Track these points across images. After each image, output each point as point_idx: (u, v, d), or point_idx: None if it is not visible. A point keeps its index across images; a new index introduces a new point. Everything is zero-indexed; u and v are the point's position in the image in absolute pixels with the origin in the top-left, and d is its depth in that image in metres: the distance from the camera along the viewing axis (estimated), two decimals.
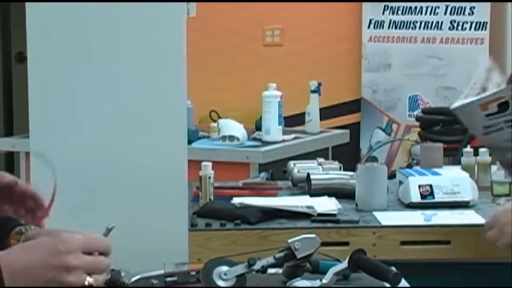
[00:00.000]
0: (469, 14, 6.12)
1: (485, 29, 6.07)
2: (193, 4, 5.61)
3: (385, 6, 6.26)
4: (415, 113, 5.67)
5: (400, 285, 2.55)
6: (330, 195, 3.95)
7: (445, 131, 4.93)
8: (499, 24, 5.98)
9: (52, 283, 1.78)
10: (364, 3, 6.30)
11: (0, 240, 1.93)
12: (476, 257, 3.36)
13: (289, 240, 2.72)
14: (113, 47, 3.01)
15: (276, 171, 4.63)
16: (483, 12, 6.06)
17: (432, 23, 6.20)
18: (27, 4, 2.88)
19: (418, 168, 4.19)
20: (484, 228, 2.99)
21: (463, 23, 6.15)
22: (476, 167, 4.17)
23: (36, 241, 1.92)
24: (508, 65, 5.85)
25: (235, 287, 2.66)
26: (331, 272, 2.58)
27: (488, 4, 5.97)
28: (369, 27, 6.32)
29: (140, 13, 3.01)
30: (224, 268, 2.67)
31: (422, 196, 3.90)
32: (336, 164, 4.36)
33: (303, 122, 5.69)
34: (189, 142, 4.07)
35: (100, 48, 3.01)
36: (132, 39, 3.02)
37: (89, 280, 1.84)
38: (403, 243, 3.63)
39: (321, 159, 4.42)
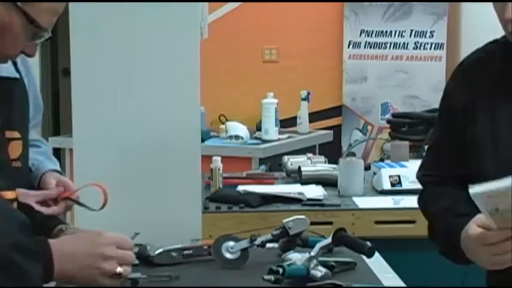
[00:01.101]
0: (429, 36, 6.11)
1: (443, 49, 6.05)
2: (206, 28, 5.59)
3: (361, 30, 6.25)
4: (386, 116, 5.64)
5: (372, 257, 2.55)
6: (317, 183, 3.95)
7: (410, 131, 4.90)
8: (453, 45, 5.97)
9: (91, 268, 1.86)
10: (344, 28, 6.28)
11: (45, 236, 1.91)
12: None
13: (284, 221, 2.70)
14: (140, 65, 2.99)
15: (273, 164, 4.63)
16: (441, 35, 6.04)
17: (400, 43, 6.19)
18: (71, 27, 2.88)
19: (388, 161, 4.19)
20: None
21: (425, 43, 6.13)
22: None
23: (81, 233, 2.02)
24: None
25: (240, 258, 2.65)
26: (318, 246, 2.55)
27: (445, 28, 5.95)
28: (348, 47, 6.30)
29: (164, 36, 3.00)
30: (231, 243, 2.65)
31: (392, 184, 3.89)
32: (322, 158, 4.35)
33: (295, 124, 5.68)
34: (202, 140, 4.05)
35: (129, 65, 3.00)
36: (157, 58, 3.01)
37: (119, 269, 1.92)
38: (377, 222, 3.62)
39: (309, 155, 4.41)
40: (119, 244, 1.95)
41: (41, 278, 1.22)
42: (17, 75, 2.29)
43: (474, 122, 2.14)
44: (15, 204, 2.03)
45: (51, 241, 1.80)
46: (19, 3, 1.81)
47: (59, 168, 2.55)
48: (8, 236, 1.20)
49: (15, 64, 2.22)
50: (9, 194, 1.96)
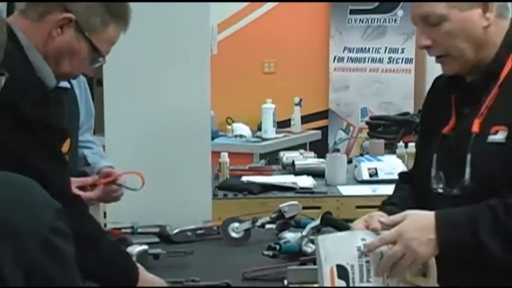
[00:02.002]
0: (400, 52, 6.09)
1: (412, 63, 6.04)
2: (215, 45, 5.58)
3: (344, 47, 6.23)
4: (365, 119, 5.63)
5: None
6: (307, 174, 3.93)
7: (385, 131, 4.90)
8: (421, 60, 5.95)
9: None
10: (330, 45, 6.26)
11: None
12: None
13: (280, 206, 2.70)
14: (161, 77, 2.99)
15: (271, 158, 4.63)
16: (410, 51, 6.03)
17: (376, 58, 6.17)
18: None
19: (367, 156, 4.18)
20: (384, 240, 1.72)
21: (397, 58, 6.12)
22: (406, 155, 4.15)
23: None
24: (428, 87, 5.82)
25: (243, 237, 2.64)
26: (309, 227, 2.55)
27: (414, 45, 5.94)
28: (334, 61, 6.28)
29: (181, 53, 3.00)
30: (236, 224, 2.65)
31: (370, 175, 3.89)
32: (312, 154, 4.35)
33: (289, 125, 5.68)
34: (212, 139, 4.04)
35: (152, 77, 2.99)
36: (175, 71, 3.00)
37: None
38: (357, 207, 3.61)
39: (301, 151, 4.42)
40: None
41: (74, 256, 1.21)
42: (68, 86, 2.32)
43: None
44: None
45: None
46: (86, 33, 1.84)
47: (109, 164, 2.64)
48: (47, 221, 1.19)
49: None
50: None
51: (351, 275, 1.73)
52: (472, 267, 1.75)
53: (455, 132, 1.83)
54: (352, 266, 1.74)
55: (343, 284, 1.73)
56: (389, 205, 2.02)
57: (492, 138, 1.73)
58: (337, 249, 1.74)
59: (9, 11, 2.43)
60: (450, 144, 1.84)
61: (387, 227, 1.76)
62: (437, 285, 1.78)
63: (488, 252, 1.66)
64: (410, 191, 2.05)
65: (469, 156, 1.76)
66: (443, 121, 1.86)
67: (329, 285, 1.73)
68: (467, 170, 1.76)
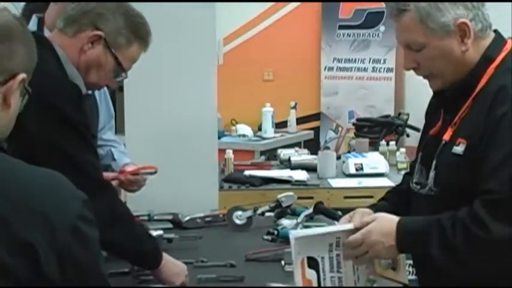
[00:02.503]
0: (382, 63, 6.09)
1: (392, 72, 6.03)
2: (221, 56, 5.59)
3: (334, 58, 6.23)
4: (352, 120, 5.62)
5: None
6: (302, 169, 3.93)
7: (369, 131, 4.90)
8: (400, 70, 5.93)
9: (174, 276, 2.01)
10: (321, 56, 6.26)
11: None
12: None
13: (278, 196, 2.70)
14: (174, 85, 3.00)
15: (270, 155, 4.63)
16: (391, 62, 6.02)
17: (361, 68, 6.17)
18: None
19: (354, 153, 4.17)
20: (351, 242, 1.68)
21: (379, 68, 6.12)
22: (387, 152, 4.15)
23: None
24: (407, 94, 5.83)
25: (246, 224, 2.65)
26: (303, 215, 2.55)
27: (394, 57, 5.95)
28: (324, 70, 6.28)
29: (191, 63, 3.00)
30: (239, 212, 2.65)
31: (356, 170, 3.88)
32: (306, 151, 4.34)
33: (286, 126, 5.66)
34: (219, 138, 4.04)
35: (166, 85, 3.01)
36: (186, 80, 3.01)
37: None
38: (345, 197, 3.61)
39: (297, 148, 4.40)
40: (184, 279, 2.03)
41: (98, 240, 1.22)
42: (89, 92, 2.32)
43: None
44: None
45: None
46: (113, 50, 1.88)
47: (131, 161, 2.66)
48: (75, 210, 1.19)
49: None
50: None
51: (321, 266, 1.70)
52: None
53: (436, 135, 1.77)
54: (323, 258, 1.70)
55: (314, 273, 1.70)
56: (382, 200, 1.97)
57: (455, 149, 1.66)
58: (309, 244, 1.70)
59: (40, 25, 2.43)
60: (430, 145, 1.79)
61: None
62: (407, 278, 1.74)
63: (434, 261, 1.60)
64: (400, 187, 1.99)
65: (434, 162, 1.71)
66: (434, 123, 1.80)
67: (300, 275, 1.69)
68: (431, 175, 1.71)
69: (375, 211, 1.82)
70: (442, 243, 1.58)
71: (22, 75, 1.23)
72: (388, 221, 1.67)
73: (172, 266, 2.00)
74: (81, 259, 1.18)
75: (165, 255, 2.00)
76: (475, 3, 1.68)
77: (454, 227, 1.57)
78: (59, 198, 1.18)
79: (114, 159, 2.73)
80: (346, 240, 1.69)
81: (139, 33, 1.92)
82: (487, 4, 1.73)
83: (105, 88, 2.73)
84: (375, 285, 1.73)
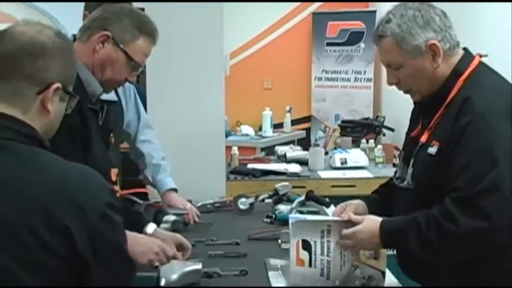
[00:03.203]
0: (363, 74, 6.06)
1: (371, 81, 6.00)
2: (228, 68, 5.57)
3: (322, 69, 6.20)
4: (338, 122, 5.60)
5: (329, 208, 2.52)
6: (296, 163, 3.92)
7: (352, 131, 4.88)
8: (378, 80, 5.91)
9: (148, 251, 1.73)
10: (312, 68, 6.24)
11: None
12: (369, 192, 3.31)
13: (276, 186, 2.69)
14: (188, 92, 3.00)
15: (269, 151, 4.61)
16: (370, 73, 5.99)
17: (345, 78, 6.14)
18: (147, 68, 2.86)
19: (339, 149, 4.16)
20: (343, 236, 1.70)
21: (360, 78, 6.08)
22: (367, 149, 4.14)
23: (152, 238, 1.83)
24: (383, 100, 5.81)
25: (249, 209, 2.63)
26: (296, 201, 2.54)
27: (373, 69, 5.92)
28: (314, 80, 6.26)
29: (203, 73, 2.99)
30: (243, 199, 2.64)
31: (341, 163, 3.87)
32: (299, 148, 4.34)
33: (282, 127, 5.65)
34: (226, 137, 4.03)
35: (181, 92, 2.99)
36: (198, 88, 2.99)
37: (157, 263, 1.75)
38: (332, 186, 3.60)
39: (291, 145, 4.41)
40: (166, 251, 1.78)
41: (122, 223, 1.20)
42: (116, 99, 2.27)
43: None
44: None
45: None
46: (121, 45, 1.80)
47: (165, 162, 2.56)
48: (104, 199, 1.18)
49: (116, 91, 2.20)
50: (114, 170, 1.90)
51: (313, 248, 1.70)
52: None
53: (416, 137, 1.75)
54: (315, 242, 1.70)
55: (307, 255, 1.70)
56: (375, 192, 1.96)
57: (430, 150, 1.65)
58: (304, 229, 1.70)
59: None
60: (410, 145, 1.78)
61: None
62: (385, 267, 1.73)
63: (417, 256, 1.59)
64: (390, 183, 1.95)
65: (412, 161, 1.71)
66: (414, 126, 1.80)
67: (294, 254, 1.69)
68: (409, 171, 1.71)
69: (368, 202, 1.86)
70: (418, 239, 1.57)
71: (56, 85, 1.22)
72: (374, 222, 1.67)
73: (137, 246, 1.69)
74: (109, 239, 1.16)
75: (134, 235, 1.70)
76: (442, 26, 1.67)
77: (428, 224, 1.57)
78: (91, 190, 1.17)
79: (142, 155, 2.62)
80: (342, 232, 1.70)
81: (143, 29, 1.82)
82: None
83: (136, 95, 2.63)
84: (357, 269, 1.73)
